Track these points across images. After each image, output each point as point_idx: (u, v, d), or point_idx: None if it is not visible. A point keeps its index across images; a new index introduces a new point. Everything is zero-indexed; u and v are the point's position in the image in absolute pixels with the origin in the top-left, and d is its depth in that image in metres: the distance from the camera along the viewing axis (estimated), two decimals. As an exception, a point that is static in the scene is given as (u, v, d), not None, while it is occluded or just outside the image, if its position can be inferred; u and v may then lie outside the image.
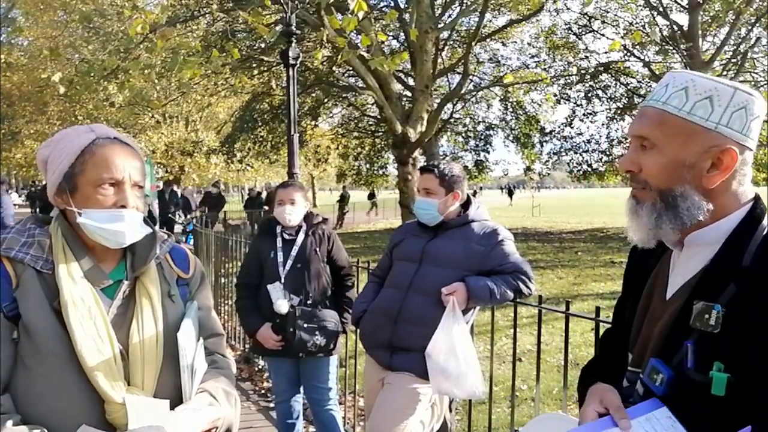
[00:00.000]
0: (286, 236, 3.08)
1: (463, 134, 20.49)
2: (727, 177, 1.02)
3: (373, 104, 17.79)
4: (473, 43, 11.44)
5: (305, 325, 2.93)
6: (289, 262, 3.02)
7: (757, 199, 1.05)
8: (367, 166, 21.73)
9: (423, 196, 2.58)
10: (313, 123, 19.23)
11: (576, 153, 19.14)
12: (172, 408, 1.25)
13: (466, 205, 2.66)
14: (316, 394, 3.11)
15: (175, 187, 17.69)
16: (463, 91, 13.46)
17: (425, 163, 2.67)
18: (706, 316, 0.94)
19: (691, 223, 1.02)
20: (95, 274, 1.29)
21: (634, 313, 1.18)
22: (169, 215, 15.08)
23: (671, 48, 15.43)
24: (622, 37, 15.89)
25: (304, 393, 3.21)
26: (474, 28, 11.95)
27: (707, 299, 0.96)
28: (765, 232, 0.99)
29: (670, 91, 1.03)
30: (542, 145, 19.78)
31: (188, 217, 15.89)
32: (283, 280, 3.01)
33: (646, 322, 1.11)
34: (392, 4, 14.82)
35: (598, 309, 2.35)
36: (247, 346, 5.35)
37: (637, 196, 1.08)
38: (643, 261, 1.20)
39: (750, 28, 15.48)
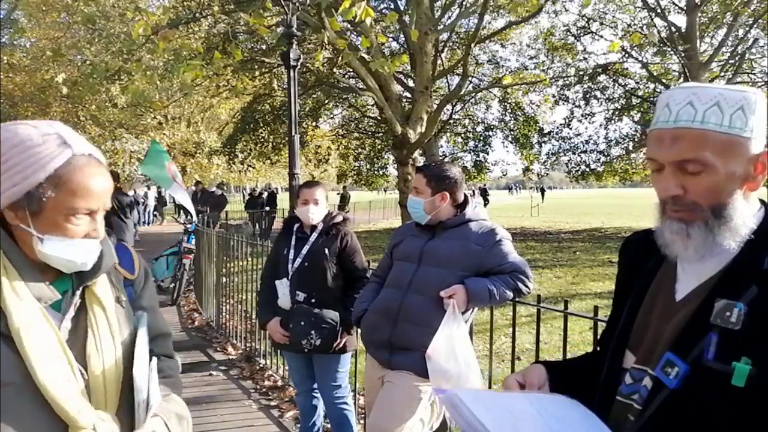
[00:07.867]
0: (300, 234, 3.17)
1: (463, 135, 20.56)
2: None
3: (373, 105, 17.87)
4: (472, 45, 11.48)
5: (301, 323, 2.98)
6: (299, 260, 3.09)
7: (766, 204, 1.09)
8: (368, 166, 21.78)
9: (413, 194, 2.64)
10: (313, 124, 19.31)
11: (574, 153, 19.27)
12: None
13: (463, 205, 2.67)
14: (325, 391, 3.16)
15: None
16: (462, 93, 13.49)
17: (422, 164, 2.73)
18: (728, 313, 0.97)
19: (746, 231, 1.03)
20: (42, 291, 1.14)
21: (631, 313, 1.19)
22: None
23: (669, 49, 15.49)
24: (620, 39, 15.94)
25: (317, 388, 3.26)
26: (473, 29, 12.00)
27: (728, 298, 0.99)
28: None
29: (702, 108, 1.02)
30: (541, 146, 19.91)
31: (188, 217, 15.96)
32: (290, 277, 3.09)
33: (654, 321, 1.12)
34: (392, 6, 14.90)
35: (596, 308, 2.38)
36: (248, 345, 5.41)
37: (684, 218, 1.05)
38: (640, 261, 1.21)
39: (748, 29, 15.55)
